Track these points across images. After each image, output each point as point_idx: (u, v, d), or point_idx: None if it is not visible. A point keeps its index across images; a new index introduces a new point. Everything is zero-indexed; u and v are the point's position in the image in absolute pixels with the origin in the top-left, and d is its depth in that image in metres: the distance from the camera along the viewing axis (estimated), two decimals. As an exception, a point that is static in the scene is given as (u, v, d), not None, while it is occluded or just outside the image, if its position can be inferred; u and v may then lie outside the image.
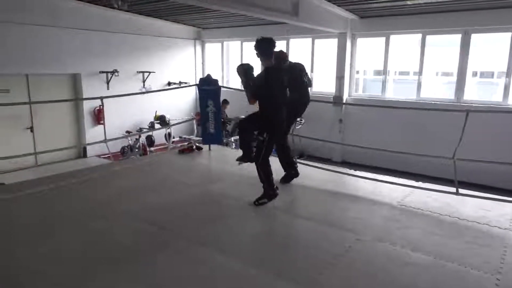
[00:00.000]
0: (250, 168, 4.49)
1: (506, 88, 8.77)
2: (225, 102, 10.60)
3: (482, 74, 11.09)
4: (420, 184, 4.87)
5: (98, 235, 3.57)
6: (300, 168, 5.20)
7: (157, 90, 11.65)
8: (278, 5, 7.73)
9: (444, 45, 10.24)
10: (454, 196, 4.24)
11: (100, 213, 4.07)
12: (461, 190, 4.27)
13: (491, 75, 13.12)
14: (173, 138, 11.58)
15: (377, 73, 12.67)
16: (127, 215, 4.00)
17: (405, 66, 11.64)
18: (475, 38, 9.09)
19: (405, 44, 10.72)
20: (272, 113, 4.19)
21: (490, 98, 10.55)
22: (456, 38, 9.32)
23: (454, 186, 4.28)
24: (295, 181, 5.03)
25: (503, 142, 8.35)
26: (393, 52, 10.42)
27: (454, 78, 9.56)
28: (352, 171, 5.66)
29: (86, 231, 3.65)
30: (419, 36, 9.75)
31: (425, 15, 9.32)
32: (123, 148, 10.92)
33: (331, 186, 4.95)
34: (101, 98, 5.73)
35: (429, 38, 9.70)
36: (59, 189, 4.81)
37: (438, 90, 10.66)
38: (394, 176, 5.38)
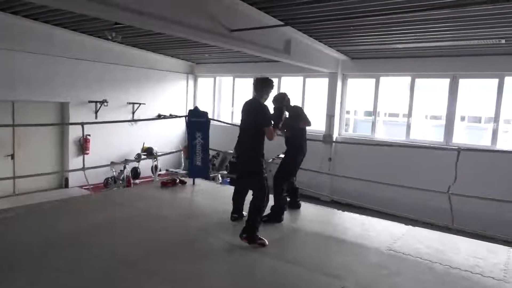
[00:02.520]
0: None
1: (494, 133, 8.79)
2: None
3: (470, 119, 11.23)
4: (410, 228, 4.67)
5: (65, 270, 3.27)
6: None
7: (144, 119, 11.55)
8: (271, 43, 7.79)
9: (433, 89, 10.37)
10: (446, 242, 4.05)
11: (70, 246, 3.78)
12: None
13: (479, 120, 13.34)
14: (160, 170, 11.32)
15: (368, 113, 12.77)
16: (98, 250, 3.72)
17: (395, 108, 11.76)
18: (463, 83, 9.24)
19: (395, 86, 10.86)
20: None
21: (478, 142, 10.61)
22: (444, 82, 9.46)
23: (447, 232, 4.10)
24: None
25: (493, 182, 8.27)
26: (383, 93, 10.53)
27: (443, 122, 9.63)
28: (340, 212, 5.47)
29: (51, 266, 3.35)
30: (409, 79, 9.89)
31: (414, 59, 9.49)
32: (106, 179, 10.62)
33: (319, 226, 4.73)
34: (82, 124, 5.58)
35: (418, 81, 9.84)
36: (30, 219, 4.52)
37: (427, 132, 10.70)
38: (384, 219, 5.19)
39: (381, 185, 8.26)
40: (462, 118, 10.26)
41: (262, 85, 4.29)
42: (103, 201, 5.65)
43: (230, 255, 3.83)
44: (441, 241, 4.28)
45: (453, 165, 4.87)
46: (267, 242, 3.92)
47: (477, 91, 9.92)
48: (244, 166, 4.30)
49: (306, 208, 5.48)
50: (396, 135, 10.61)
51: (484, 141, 10.31)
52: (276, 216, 4.73)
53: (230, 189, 7.10)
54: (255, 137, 4.10)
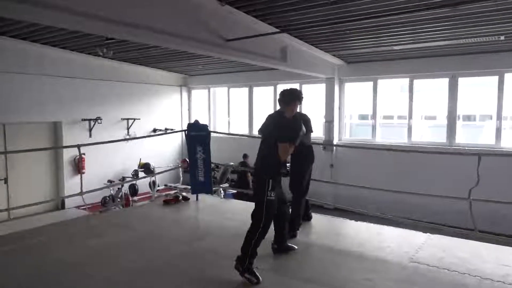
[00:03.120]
0: (246, 219, 4.02)
1: (498, 131, 8.67)
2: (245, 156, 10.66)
3: (464, 118, 11.16)
4: (429, 236, 4.47)
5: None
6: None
7: (141, 137, 11.26)
8: (267, 51, 7.64)
9: (425, 90, 10.26)
10: (469, 250, 3.85)
11: (66, 279, 3.51)
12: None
13: (474, 118, 13.31)
14: (158, 186, 11.04)
15: (362, 117, 12.66)
16: (98, 282, 3.46)
17: (389, 110, 11.67)
18: (460, 81, 9.13)
19: (387, 88, 10.74)
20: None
21: (476, 140, 10.53)
22: (438, 82, 9.38)
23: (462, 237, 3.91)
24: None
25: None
26: (378, 96, 10.38)
27: (438, 122, 9.52)
28: (353, 222, 5.25)
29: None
30: (401, 81, 9.79)
31: (412, 60, 9.39)
32: (104, 198, 10.32)
33: (333, 239, 4.51)
34: (79, 146, 5.36)
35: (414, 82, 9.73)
36: (25, 248, 4.24)
37: (424, 133, 10.57)
38: (399, 227, 4.98)
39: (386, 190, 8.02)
40: (457, 117, 10.19)
41: (289, 98, 3.81)
42: (106, 224, 5.37)
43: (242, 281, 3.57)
44: (464, 249, 4.07)
45: (464, 168, 4.72)
46: (257, 280, 3.39)
47: (471, 89, 9.85)
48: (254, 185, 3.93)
49: (317, 220, 5.26)
50: (396, 138, 10.47)
51: (484, 139, 10.20)
52: (290, 230, 4.39)
53: (235, 203, 6.90)
54: (269, 153, 3.64)
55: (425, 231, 4.63)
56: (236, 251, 3.48)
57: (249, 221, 3.56)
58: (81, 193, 5.22)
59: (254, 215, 3.56)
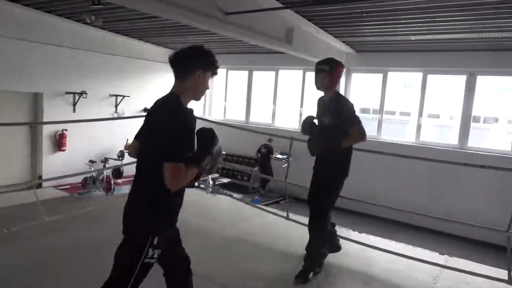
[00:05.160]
0: (234, 224, 3.33)
1: (515, 136, 8.01)
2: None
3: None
4: (447, 259, 3.80)
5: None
6: (288, 226, 4.08)
7: (129, 117, 10.48)
8: (271, 30, 6.87)
9: (430, 87, 9.59)
10: (504, 284, 3.18)
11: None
12: None
13: (478, 119, 12.68)
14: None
15: (363, 110, 11.99)
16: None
17: (390, 106, 11.00)
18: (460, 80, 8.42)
19: (390, 83, 10.02)
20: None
21: (481, 143, 9.88)
22: (446, 79, 8.70)
23: (504, 268, 3.24)
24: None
25: None
26: (378, 90, 9.66)
27: (441, 121, 8.91)
28: (356, 233, 4.56)
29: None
30: (405, 76, 9.09)
31: (427, 53, 8.64)
32: (85, 179, 9.60)
33: (329, 259, 3.77)
34: (54, 122, 4.56)
35: (413, 78, 9.04)
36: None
37: (426, 132, 9.89)
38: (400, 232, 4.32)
39: (385, 189, 7.38)
40: (451, 117, 9.86)
41: (193, 62, 2.14)
42: (77, 218, 4.63)
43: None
44: (489, 279, 3.42)
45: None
46: None
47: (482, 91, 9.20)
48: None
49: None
50: (397, 135, 9.83)
51: (493, 144, 9.59)
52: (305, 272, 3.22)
53: (224, 199, 6.13)
54: (148, 182, 2.30)
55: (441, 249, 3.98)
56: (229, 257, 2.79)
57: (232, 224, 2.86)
58: (59, 177, 4.54)
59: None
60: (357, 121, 3.18)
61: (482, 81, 8.53)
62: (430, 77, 8.96)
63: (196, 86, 2.14)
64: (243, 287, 2.99)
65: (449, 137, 9.49)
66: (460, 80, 8.70)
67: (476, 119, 12.26)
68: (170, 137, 1.94)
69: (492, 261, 4.16)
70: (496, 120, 11.81)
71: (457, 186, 8.05)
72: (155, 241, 2.00)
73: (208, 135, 2.11)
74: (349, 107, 3.23)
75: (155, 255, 2.03)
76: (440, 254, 3.94)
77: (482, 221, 4.96)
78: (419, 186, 8.49)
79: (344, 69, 3.17)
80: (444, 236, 7.81)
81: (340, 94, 3.50)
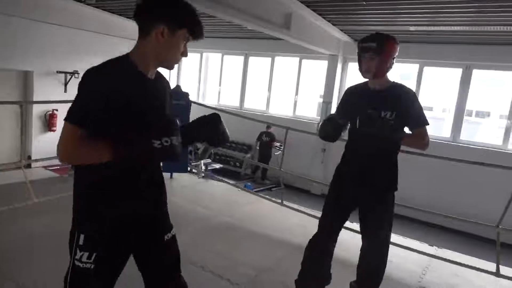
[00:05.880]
0: (227, 211, 3.29)
1: (508, 131, 8.05)
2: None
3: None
4: (435, 250, 3.82)
5: None
6: (281, 213, 4.05)
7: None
8: (269, 14, 6.74)
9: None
10: (492, 277, 3.21)
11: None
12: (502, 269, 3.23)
13: (470, 113, 12.73)
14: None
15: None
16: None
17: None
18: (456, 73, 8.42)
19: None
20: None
21: (472, 137, 9.95)
22: (438, 71, 8.80)
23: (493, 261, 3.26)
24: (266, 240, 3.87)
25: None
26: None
27: (434, 113, 8.90)
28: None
29: None
30: (416, 66, 9.01)
31: (424, 45, 8.59)
32: (75, 160, 9.47)
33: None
34: (45, 102, 4.44)
35: (409, 70, 9.01)
36: None
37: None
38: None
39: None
40: (444, 110, 9.80)
41: (160, 11, 1.56)
42: (55, 203, 4.57)
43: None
44: (477, 271, 3.44)
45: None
46: None
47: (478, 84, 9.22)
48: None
49: (300, 215, 4.56)
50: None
51: (486, 138, 9.63)
52: None
53: (217, 185, 5.99)
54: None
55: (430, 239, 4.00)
56: (218, 254, 2.76)
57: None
58: (49, 158, 4.44)
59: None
60: (427, 121, 2.47)
61: (477, 75, 8.54)
62: (426, 69, 8.93)
63: (158, 48, 1.51)
64: (236, 275, 2.96)
65: (441, 130, 9.52)
66: (455, 74, 8.70)
67: (468, 113, 12.35)
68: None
69: (480, 253, 4.18)
70: (488, 114, 11.87)
71: (448, 180, 8.10)
72: (81, 240, 1.51)
73: (200, 125, 1.68)
74: (419, 101, 2.47)
75: (85, 259, 1.50)
76: (429, 245, 3.95)
77: (472, 214, 5.02)
78: (409, 178, 8.51)
79: (398, 47, 2.38)
80: (432, 227, 7.91)
81: (402, 84, 2.57)
